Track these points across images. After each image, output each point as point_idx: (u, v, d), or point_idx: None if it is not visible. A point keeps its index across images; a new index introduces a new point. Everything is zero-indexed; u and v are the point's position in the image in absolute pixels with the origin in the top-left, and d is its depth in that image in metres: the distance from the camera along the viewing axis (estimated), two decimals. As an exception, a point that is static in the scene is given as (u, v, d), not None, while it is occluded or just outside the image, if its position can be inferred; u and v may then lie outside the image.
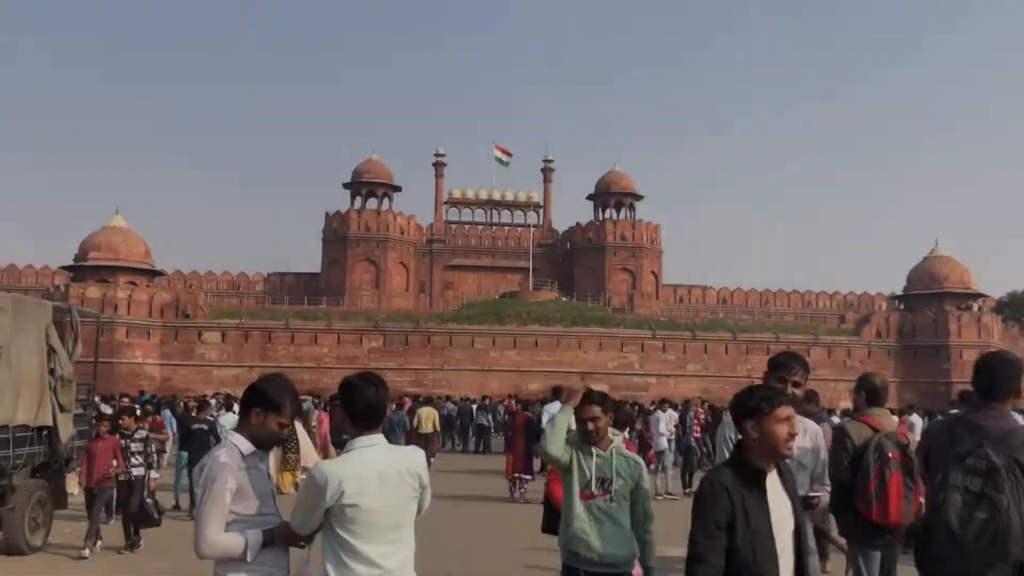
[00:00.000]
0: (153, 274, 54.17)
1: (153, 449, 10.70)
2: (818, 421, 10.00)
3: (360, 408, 3.35)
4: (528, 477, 16.13)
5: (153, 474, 10.50)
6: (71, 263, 52.47)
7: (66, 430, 10.17)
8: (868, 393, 5.63)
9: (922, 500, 4.81)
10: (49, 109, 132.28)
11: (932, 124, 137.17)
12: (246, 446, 3.41)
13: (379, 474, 3.26)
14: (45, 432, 9.93)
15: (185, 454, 13.87)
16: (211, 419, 14.89)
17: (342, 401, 3.39)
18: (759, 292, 66.58)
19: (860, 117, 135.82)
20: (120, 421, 10.57)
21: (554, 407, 15.80)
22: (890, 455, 5.10)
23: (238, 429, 3.49)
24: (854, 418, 5.77)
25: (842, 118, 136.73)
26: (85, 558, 9.58)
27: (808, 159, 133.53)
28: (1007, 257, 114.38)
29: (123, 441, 10.11)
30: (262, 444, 3.47)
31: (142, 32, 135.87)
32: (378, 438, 3.36)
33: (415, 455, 3.52)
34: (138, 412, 12.49)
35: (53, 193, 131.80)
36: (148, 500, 10.09)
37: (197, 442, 13.07)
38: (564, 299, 56.84)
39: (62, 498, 10.66)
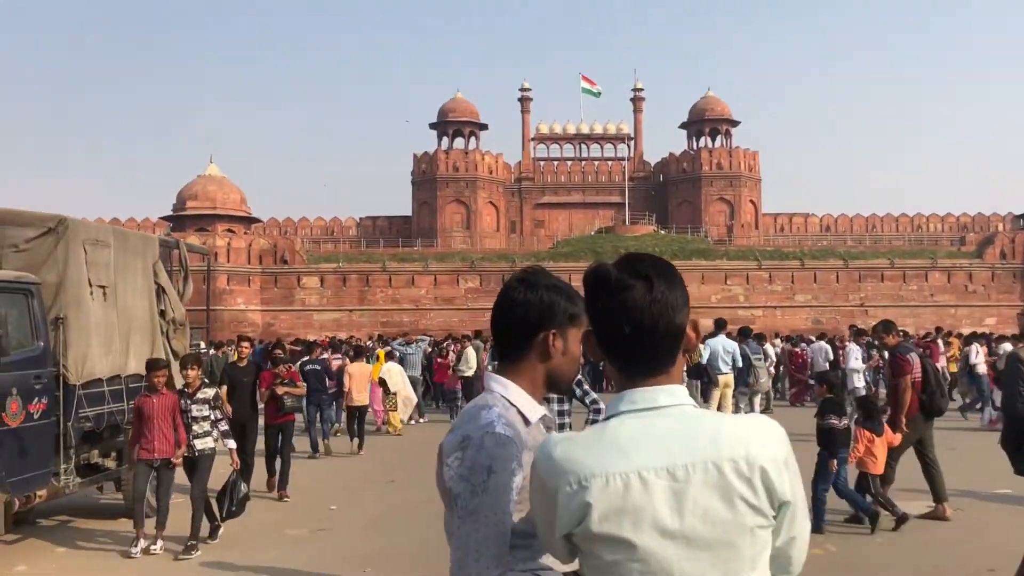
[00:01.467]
0: (250, 221, 54.06)
1: (220, 415, 7.81)
2: (903, 351, 8.26)
3: (624, 326, 1.53)
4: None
5: (231, 444, 8.02)
6: (169, 213, 52.60)
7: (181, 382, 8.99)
8: None
9: None
10: (137, 62, 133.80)
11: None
12: (530, 405, 1.86)
13: (670, 470, 1.46)
14: (160, 382, 8.75)
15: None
16: (323, 359, 14.75)
17: (590, 317, 1.64)
18: (865, 218, 63.01)
19: (972, 33, 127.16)
20: (185, 373, 7.74)
21: (717, 341, 14.12)
22: None
23: (502, 370, 1.91)
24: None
25: (955, 34, 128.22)
26: (133, 557, 7.22)
27: (913, 78, 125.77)
28: None
29: (182, 402, 7.55)
30: (556, 388, 1.96)
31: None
32: (672, 391, 1.55)
33: (755, 429, 1.52)
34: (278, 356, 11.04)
35: (148, 145, 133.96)
36: (236, 482, 7.57)
37: (311, 383, 12.63)
38: (662, 232, 54.58)
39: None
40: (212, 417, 7.70)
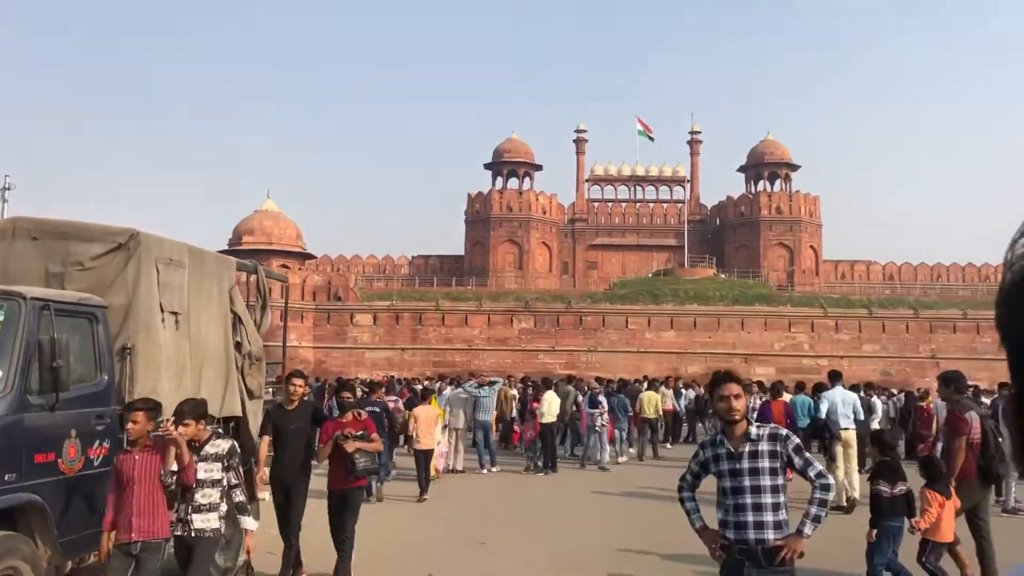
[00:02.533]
0: (304, 257, 53.65)
1: (237, 480, 5.78)
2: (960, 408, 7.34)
3: None
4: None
5: (248, 524, 6.14)
6: (226, 247, 52.38)
7: (256, 422, 7.88)
8: None
9: None
10: (198, 95, 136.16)
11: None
12: None
13: None
14: (232, 424, 7.64)
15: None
16: (382, 401, 14.00)
17: None
18: (930, 266, 60.73)
19: None
20: (178, 427, 5.48)
21: (835, 393, 12.80)
22: None
23: None
24: None
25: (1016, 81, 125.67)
26: None
27: (978, 117, 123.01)
28: None
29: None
30: None
31: (282, 19, 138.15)
32: None
33: None
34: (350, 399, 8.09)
35: (207, 178, 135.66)
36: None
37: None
38: (722, 276, 53.00)
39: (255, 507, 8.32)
40: (225, 482, 5.66)
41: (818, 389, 18.95)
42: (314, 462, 7.65)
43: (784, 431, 4.22)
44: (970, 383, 17.03)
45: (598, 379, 21.37)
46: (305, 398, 7.98)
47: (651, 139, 63.31)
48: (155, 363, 6.43)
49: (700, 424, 23.83)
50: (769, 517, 4.09)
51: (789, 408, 14.22)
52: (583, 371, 42.03)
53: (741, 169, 63.86)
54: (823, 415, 12.44)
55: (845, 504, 11.86)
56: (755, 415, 16.31)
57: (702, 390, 24.31)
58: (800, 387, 19.49)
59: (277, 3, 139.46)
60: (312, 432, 7.63)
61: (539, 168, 64.38)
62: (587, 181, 65.91)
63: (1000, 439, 7.11)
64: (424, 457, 12.92)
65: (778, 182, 62.05)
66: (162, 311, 6.62)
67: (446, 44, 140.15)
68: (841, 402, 12.63)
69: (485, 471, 15.61)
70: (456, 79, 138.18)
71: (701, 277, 51.29)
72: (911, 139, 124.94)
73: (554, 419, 16.03)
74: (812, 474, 4.12)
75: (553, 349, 46.98)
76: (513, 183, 63.71)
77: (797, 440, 4.20)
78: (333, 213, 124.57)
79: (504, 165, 63.45)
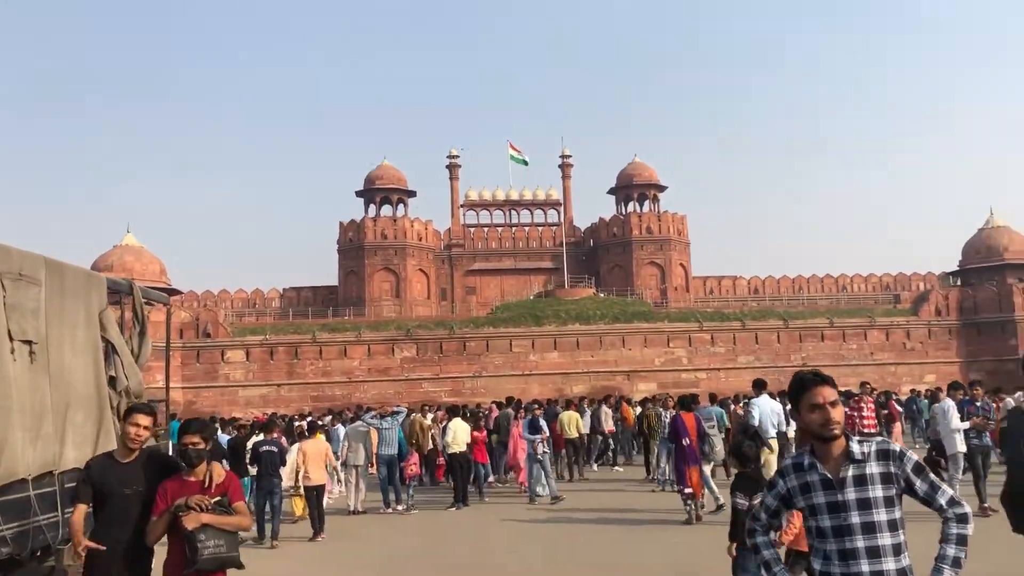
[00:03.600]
0: (169, 293, 50.29)
1: None
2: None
3: None
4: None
5: None
6: (81, 286, 48.59)
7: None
8: None
9: None
10: (54, 125, 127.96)
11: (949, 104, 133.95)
12: None
13: None
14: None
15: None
16: (278, 439, 12.93)
17: None
18: (792, 279, 62.85)
19: (890, 95, 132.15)
20: None
21: (764, 402, 12.40)
22: None
23: None
24: None
25: (871, 98, 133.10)
26: None
27: (835, 141, 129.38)
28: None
29: None
30: None
31: (146, 39, 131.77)
32: None
33: None
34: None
35: (62, 213, 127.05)
36: None
37: (264, 468, 11.72)
38: (601, 295, 53.04)
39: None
40: None
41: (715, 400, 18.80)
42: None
43: (897, 446, 3.15)
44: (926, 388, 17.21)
45: (536, 401, 19.56)
46: (154, 444, 5.40)
47: (525, 163, 63.12)
48: (3, 408, 4.91)
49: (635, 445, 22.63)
50: (891, 565, 3.03)
51: (699, 420, 13.59)
52: (468, 398, 40.90)
53: (611, 191, 64.57)
54: (755, 422, 11.79)
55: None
56: (666, 431, 15.75)
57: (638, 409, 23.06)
58: (713, 398, 19.07)
59: (142, 20, 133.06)
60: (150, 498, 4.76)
61: (413, 194, 63.17)
62: (462, 206, 65.09)
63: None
64: (316, 494, 12.17)
65: (647, 203, 63.02)
66: (11, 340, 5.10)
67: (313, 68, 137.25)
68: (770, 410, 12.17)
69: (391, 510, 14.22)
70: (322, 104, 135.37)
71: (582, 297, 51.13)
72: (769, 160, 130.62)
73: (462, 448, 14.87)
74: (943, 501, 3.07)
75: (437, 377, 45.64)
76: (387, 210, 62.22)
77: (916, 458, 3.15)
78: (198, 248, 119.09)
79: (377, 192, 61.89)
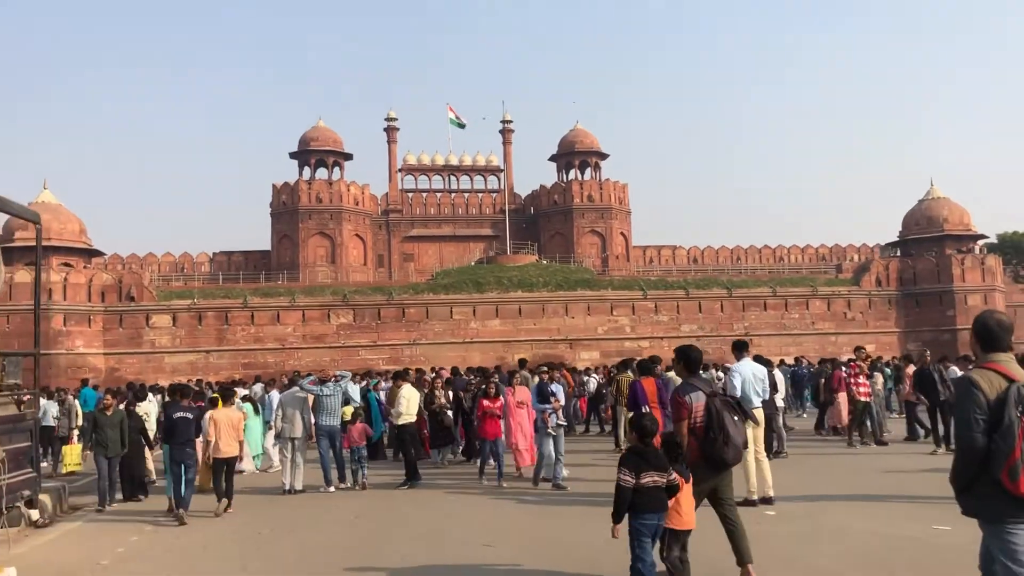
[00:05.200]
0: (91, 254, 47.17)
1: None
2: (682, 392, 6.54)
3: None
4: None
5: None
6: (-7, 245, 45.07)
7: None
8: (982, 335, 4.21)
9: None
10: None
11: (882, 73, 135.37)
12: None
13: None
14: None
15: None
16: (194, 407, 12.10)
17: None
18: (730, 249, 62.31)
19: (829, 65, 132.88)
20: None
21: (746, 366, 10.77)
22: None
23: None
24: (978, 366, 4.14)
25: (810, 68, 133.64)
26: None
27: (773, 111, 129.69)
28: (985, 197, 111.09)
29: None
30: None
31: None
32: None
33: None
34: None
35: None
36: None
37: (179, 436, 10.84)
38: (544, 262, 51.54)
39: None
40: None
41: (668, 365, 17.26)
42: None
43: None
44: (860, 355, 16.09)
45: (548, 364, 16.51)
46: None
47: (462, 126, 61.13)
48: None
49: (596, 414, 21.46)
50: None
51: (661, 386, 12.14)
52: (407, 365, 39.10)
53: (553, 158, 62.96)
54: (738, 392, 10.25)
55: (757, 499, 9.83)
56: (625, 398, 14.24)
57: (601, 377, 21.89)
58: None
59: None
60: None
61: (349, 157, 60.52)
62: (400, 171, 62.75)
63: (735, 419, 6.26)
64: (226, 467, 11.11)
65: (588, 171, 61.63)
66: None
67: (246, 24, 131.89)
68: (752, 376, 10.59)
69: (332, 489, 12.44)
70: (256, 62, 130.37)
71: (525, 264, 49.54)
72: (706, 130, 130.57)
73: (412, 418, 13.15)
74: None
75: (375, 344, 43.72)
76: (322, 173, 59.58)
77: None
78: (124, 210, 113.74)
79: (311, 154, 59.10)
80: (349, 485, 12.66)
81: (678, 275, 52.19)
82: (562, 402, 12.57)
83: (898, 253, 52.83)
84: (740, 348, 11.04)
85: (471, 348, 43.31)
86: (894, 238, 53.78)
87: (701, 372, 15.81)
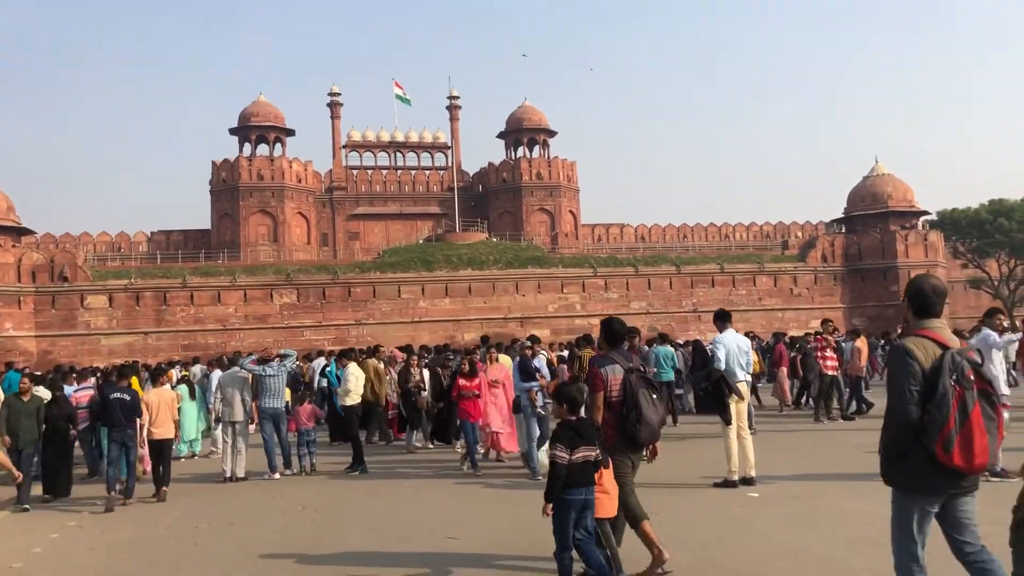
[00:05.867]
0: (19, 233, 44.91)
1: None
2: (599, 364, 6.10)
3: None
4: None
5: None
6: (-88, 224, 42.64)
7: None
8: (916, 300, 3.97)
9: (1004, 434, 3.91)
10: None
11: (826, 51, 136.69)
12: None
13: None
14: None
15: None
16: (129, 387, 10.91)
17: None
18: (676, 227, 62.14)
19: (773, 42, 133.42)
20: None
21: (730, 338, 9.97)
22: (971, 377, 3.70)
23: None
24: (912, 333, 3.94)
25: (756, 46, 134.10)
26: None
27: (719, 89, 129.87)
28: (924, 175, 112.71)
29: None
30: None
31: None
32: None
33: None
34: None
35: None
36: None
37: (116, 417, 10.26)
38: (494, 240, 50.64)
39: None
40: None
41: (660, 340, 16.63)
42: None
43: None
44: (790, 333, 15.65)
45: (532, 337, 13.77)
46: None
47: (408, 102, 59.74)
48: None
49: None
50: None
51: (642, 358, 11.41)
52: (354, 346, 37.98)
53: (501, 135, 61.93)
54: (721, 365, 9.52)
55: (737, 480, 9.16)
56: (587, 374, 13.47)
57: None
58: (664, 337, 17.11)
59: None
60: None
61: (291, 133, 58.72)
62: (344, 147, 61.11)
63: (653, 397, 5.86)
64: (161, 449, 10.62)
65: (537, 148, 60.79)
66: None
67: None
68: (737, 348, 9.85)
69: (277, 476, 11.48)
70: (194, 34, 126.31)
71: (474, 241, 48.58)
72: (653, 110, 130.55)
73: (358, 399, 12.19)
74: None
75: (320, 324, 42.46)
76: (263, 149, 57.69)
77: None
78: (56, 188, 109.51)
79: (252, 130, 57.16)
80: (295, 471, 11.73)
81: (627, 253, 51.77)
82: (548, 378, 11.22)
83: (843, 230, 53.19)
84: (723, 318, 10.03)
85: (420, 328, 42.32)
86: (838, 216, 54.14)
87: (670, 346, 15.12)
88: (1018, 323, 18.91)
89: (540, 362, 11.43)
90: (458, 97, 62.91)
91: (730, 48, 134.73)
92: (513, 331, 42.17)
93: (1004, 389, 9.81)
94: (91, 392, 12.70)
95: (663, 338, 17.32)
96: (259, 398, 11.78)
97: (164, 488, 10.30)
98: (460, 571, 6.28)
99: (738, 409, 9.70)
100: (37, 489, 10.82)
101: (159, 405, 10.73)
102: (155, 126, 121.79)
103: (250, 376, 11.82)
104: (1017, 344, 12.99)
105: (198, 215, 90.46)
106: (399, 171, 61.32)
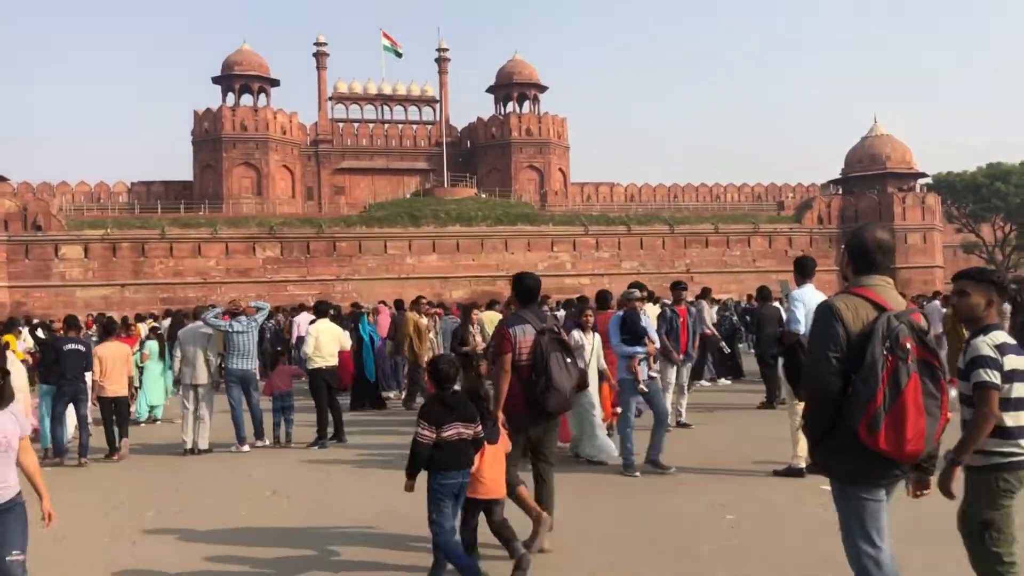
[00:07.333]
0: (-10, 179, 42.65)
1: None
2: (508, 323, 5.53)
3: None
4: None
5: None
6: None
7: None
8: (856, 253, 3.34)
9: (950, 416, 3.14)
10: None
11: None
12: None
13: None
14: None
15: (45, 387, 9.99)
16: (85, 339, 10.69)
17: None
18: (667, 187, 60.45)
19: (771, 6, 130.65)
20: None
21: (808, 294, 7.98)
22: (907, 346, 3.02)
23: None
24: (846, 290, 3.32)
25: (753, 7, 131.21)
26: None
27: (716, 50, 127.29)
28: (921, 136, 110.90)
29: None
30: None
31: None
32: None
33: None
34: None
35: None
36: None
37: (69, 369, 9.55)
38: (484, 196, 48.77)
39: None
40: None
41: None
42: None
43: None
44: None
45: (638, 285, 10.49)
46: None
47: (399, 55, 57.43)
48: None
49: None
50: None
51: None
52: (339, 302, 36.34)
53: (490, 90, 59.69)
54: (801, 328, 7.05)
55: (802, 467, 7.43)
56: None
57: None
58: (705, 292, 15.65)
59: None
60: None
61: (276, 83, 56.31)
62: (330, 99, 58.74)
63: (566, 361, 5.32)
64: (116, 406, 9.75)
65: (527, 103, 58.69)
66: None
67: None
68: (805, 305, 7.18)
69: (246, 448, 9.88)
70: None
71: (463, 197, 46.71)
72: (648, 68, 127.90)
73: (327, 361, 10.36)
74: None
75: (304, 279, 40.68)
76: (247, 100, 55.33)
77: None
78: (35, 136, 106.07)
79: (235, 79, 54.73)
80: (269, 443, 10.13)
81: (618, 212, 50.08)
82: (657, 344, 8.52)
83: (839, 191, 51.68)
84: (804, 271, 7.78)
85: (406, 284, 40.53)
86: (832, 179, 52.59)
87: (657, 305, 12.81)
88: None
89: (646, 320, 8.55)
90: (447, 50, 60.54)
91: (726, 5, 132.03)
92: (501, 289, 40.56)
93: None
94: None
95: (705, 293, 15.93)
96: (226, 358, 10.13)
97: (124, 439, 9.72)
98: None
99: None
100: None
101: (113, 361, 9.82)
102: (137, 74, 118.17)
103: (216, 332, 10.16)
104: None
105: (181, 166, 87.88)
106: (386, 125, 59.12)
